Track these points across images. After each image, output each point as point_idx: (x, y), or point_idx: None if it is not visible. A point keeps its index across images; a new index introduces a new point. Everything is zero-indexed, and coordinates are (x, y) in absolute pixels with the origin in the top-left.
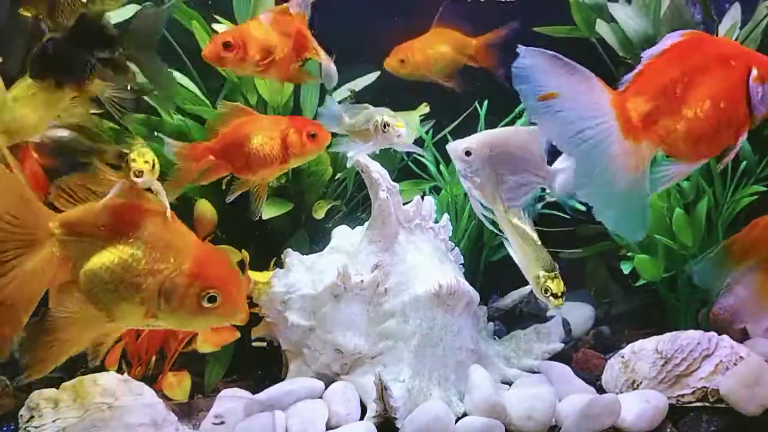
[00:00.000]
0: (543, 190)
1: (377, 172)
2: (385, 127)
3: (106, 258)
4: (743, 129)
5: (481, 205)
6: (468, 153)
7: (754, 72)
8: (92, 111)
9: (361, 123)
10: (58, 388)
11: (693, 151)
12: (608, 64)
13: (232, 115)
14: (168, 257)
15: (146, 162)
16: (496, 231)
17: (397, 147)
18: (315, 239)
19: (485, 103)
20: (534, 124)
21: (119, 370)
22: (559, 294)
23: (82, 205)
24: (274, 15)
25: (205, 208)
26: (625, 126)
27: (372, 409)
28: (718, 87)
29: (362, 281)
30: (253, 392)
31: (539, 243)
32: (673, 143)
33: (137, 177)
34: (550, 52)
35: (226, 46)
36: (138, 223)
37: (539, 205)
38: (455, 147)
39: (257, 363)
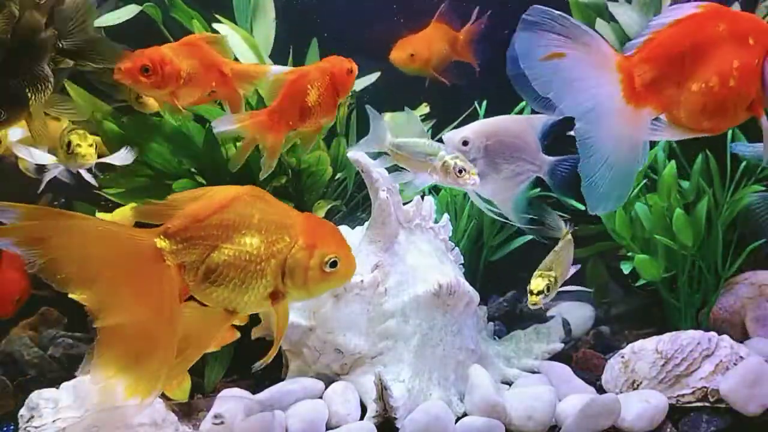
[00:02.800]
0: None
1: (377, 172)
2: (460, 172)
3: (225, 255)
4: (757, 108)
5: (479, 196)
6: (465, 143)
7: None
8: None
9: (415, 151)
10: (58, 388)
11: (694, 123)
12: None
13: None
14: (283, 236)
15: (90, 146)
16: (499, 218)
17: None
18: None
19: (484, 102)
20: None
21: None
22: (535, 292)
23: (179, 212)
24: (195, 41)
25: None
26: (627, 90)
27: (372, 409)
28: (728, 64)
29: (362, 281)
30: (253, 392)
31: (556, 249)
32: (675, 113)
33: (86, 161)
34: (558, 12)
35: (145, 71)
36: (244, 212)
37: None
38: (452, 137)
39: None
